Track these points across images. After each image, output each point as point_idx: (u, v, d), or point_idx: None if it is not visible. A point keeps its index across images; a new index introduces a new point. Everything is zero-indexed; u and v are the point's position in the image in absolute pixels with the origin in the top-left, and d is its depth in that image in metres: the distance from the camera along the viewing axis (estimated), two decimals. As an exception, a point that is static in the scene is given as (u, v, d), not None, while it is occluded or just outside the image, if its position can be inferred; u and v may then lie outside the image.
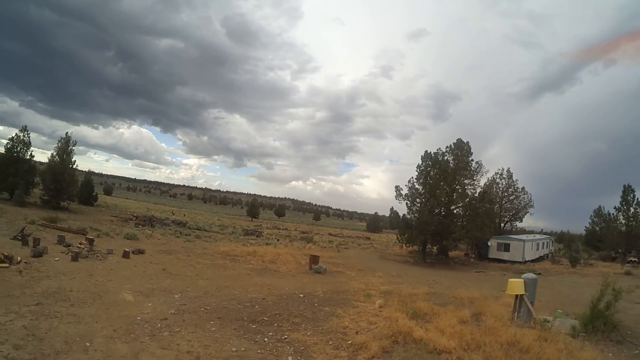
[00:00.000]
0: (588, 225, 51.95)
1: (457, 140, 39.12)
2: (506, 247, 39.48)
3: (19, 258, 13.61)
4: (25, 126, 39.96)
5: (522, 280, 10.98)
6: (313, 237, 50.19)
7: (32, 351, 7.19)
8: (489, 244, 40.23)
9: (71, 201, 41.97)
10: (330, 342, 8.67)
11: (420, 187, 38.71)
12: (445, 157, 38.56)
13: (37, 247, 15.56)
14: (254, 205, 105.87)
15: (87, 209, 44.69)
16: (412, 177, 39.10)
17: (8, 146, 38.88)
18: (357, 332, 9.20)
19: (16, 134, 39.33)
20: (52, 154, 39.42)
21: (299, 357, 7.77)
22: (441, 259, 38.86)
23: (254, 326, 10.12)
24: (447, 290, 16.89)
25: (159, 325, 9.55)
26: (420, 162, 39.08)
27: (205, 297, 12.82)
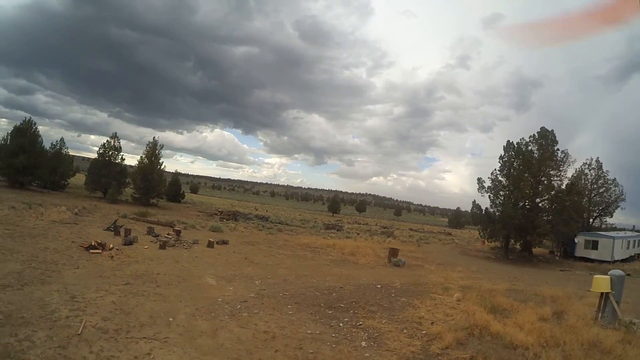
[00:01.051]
0: None
1: (540, 129, 36.08)
2: (594, 245, 35.78)
3: (111, 245, 14.44)
4: (115, 133, 43.33)
5: (609, 277, 10.25)
6: (393, 232, 49.28)
7: (118, 323, 7.52)
8: (576, 240, 36.96)
9: (160, 198, 44.59)
10: (405, 331, 8.47)
11: (503, 180, 36.56)
12: (529, 147, 35.84)
13: (128, 237, 16.45)
14: (335, 201, 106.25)
15: (175, 206, 47.27)
16: (495, 169, 36.87)
17: (100, 151, 42.24)
18: (432, 323, 8.94)
19: (107, 140, 42.70)
20: (141, 157, 42.34)
21: (372, 343, 7.61)
22: (524, 256, 36.44)
23: (330, 312, 10.01)
24: (529, 287, 15.85)
25: (238, 306, 9.70)
26: (502, 153, 36.87)
27: (284, 284, 12.86)
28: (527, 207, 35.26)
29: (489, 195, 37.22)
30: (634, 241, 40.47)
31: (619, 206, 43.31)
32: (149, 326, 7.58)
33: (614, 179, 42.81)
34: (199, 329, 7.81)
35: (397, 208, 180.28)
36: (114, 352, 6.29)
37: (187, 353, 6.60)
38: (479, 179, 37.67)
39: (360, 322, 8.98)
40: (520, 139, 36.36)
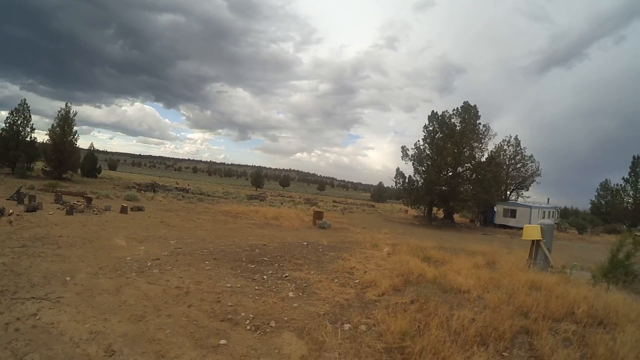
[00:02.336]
0: (594, 199, 50.71)
1: (464, 102, 38.32)
2: (512, 213, 38.73)
3: (10, 211, 13.18)
4: (24, 99, 39.13)
5: (539, 225, 10.57)
6: (317, 203, 49.66)
7: (6, 284, 6.73)
8: (495, 209, 39.62)
9: (74, 172, 41.67)
10: (336, 281, 8.28)
11: (426, 148, 38.17)
12: (452, 120, 37.83)
13: (31, 203, 15.10)
14: (258, 175, 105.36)
15: (90, 180, 44.34)
16: (418, 140, 38.72)
17: (8, 120, 38.31)
18: (364, 272, 8.79)
19: (16, 107, 38.63)
20: (52, 125, 38.83)
21: (300, 294, 7.30)
22: (447, 223, 38.52)
23: (253, 266, 9.58)
24: (456, 245, 16.22)
25: (149, 264, 9.04)
26: (427, 122, 38.40)
27: (202, 243, 12.30)
28: (450, 174, 37.15)
29: (413, 163, 38.76)
30: (549, 212, 43.88)
31: (534, 180, 46.71)
32: (40, 286, 6.80)
33: (531, 156, 46.20)
34: (100, 288, 7.09)
35: (320, 183, 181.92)
36: None
37: (80, 312, 5.91)
38: (403, 147, 39.11)
39: (287, 274, 8.67)
40: (444, 111, 38.08)
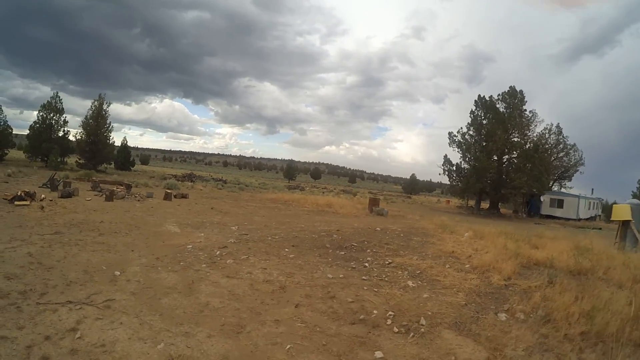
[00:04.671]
0: (635, 191, 46.92)
1: (509, 87, 36.43)
2: (559, 204, 36.10)
3: (42, 196, 11.33)
4: (57, 92, 37.80)
5: (628, 205, 9.65)
6: (356, 193, 47.48)
7: (30, 282, 4.62)
8: (542, 199, 36.91)
9: (108, 164, 40.37)
10: (448, 266, 7.06)
11: (473, 134, 36.15)
12: (497, 105, 35.78)
13: (66, 189, 13.20)
14: (290, 167, 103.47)
15: (124, 173, 43.03)
16: (461, 127, 36.94)
17: (41, 113, 37.03)
18: (469, 256, 7.82)
19: (48, 100, 37.24)
20: (85, 117, 37.42)
21: (420, 282, 6.01)
22: (493, 213, 35.84)
23: (342, 253, 7.83)
24: (525, 232, 13.86)
25: (217, 253, 6.99)
26: (473, 108, 36.53)
27: (266, 229, 10.22)
28: (501, 161, 35.36)
29: (458, 151, 36.90)
30: (594, 203, 41.30)
31: (577, 170, 43.26)
32: (80, 285, 4.70)
33: (574, 144, 42.76)
34: (164, 285, 5.05)
35: (350, 176, 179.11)
36: (9, 328, 3.45)
37: (145, 324, 3.84)
38: (449, 133, 37.37)
39: (389, 261, 7.25)
40: (490, 96, 36.34)
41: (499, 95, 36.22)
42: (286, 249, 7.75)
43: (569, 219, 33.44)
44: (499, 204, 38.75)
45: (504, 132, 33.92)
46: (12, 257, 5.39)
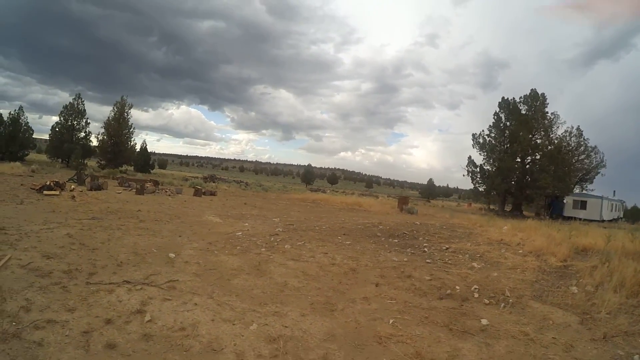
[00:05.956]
0: None
1: (531, 90, 35.84)
2: (582, 205, 34.97)
3: (72, 187, 10.77)
4: (79, 94, 37.48)
5: None
6: (378, 197, 46.82)
7: (74, 261, 3.99)
8: (565, 200, 35.94)
9: (129, 166, 40.18)
10: (503, 250, 6.98)
11: (497, 135, 35.78)
12: (519, 107, 35.45)
13: (94, 182, 12.67)
14: (308, 172, 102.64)
15: (145, 176, 42.91)
16: (483, 130, 36.70)
17: (62, 114, 36.81)
18: (518, 244, 7.84)
19: (70, 102, 36.93)
20: (108, 118, 37.10)
21: (483, 264, 6.02)
22: (516, 215, 35.02)
23: (396, 241, 7.55)
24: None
25: (271, 239, 6.42)
26: (497, 110, 36.20)
27: (308, 222, 9.57)
28: (526, 162, 34.96)
29: (481, 153, 36.46)
30: (616, 204, 40.25)
31: (599, 172, 42.19)
32: (133, 266, 4.11)
33: (595, 146, 41.78)
34: (228, 267, 4.47)
35: (367, 181, 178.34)
36: (55, 310, 2.82)
37: (223, 304, 3.27)
38: (473, 135, 36.89)
39: (446, 247, 7.17)
40: (512, 98, 35.97)
41: (520, 98, 35.86)
42: (339, 237, 7.26)
43: (592, 221, 32.40)
44: (524, 204, 38.01)
45: (528, 133, 33.44)
46: (49, 238, 4.79)
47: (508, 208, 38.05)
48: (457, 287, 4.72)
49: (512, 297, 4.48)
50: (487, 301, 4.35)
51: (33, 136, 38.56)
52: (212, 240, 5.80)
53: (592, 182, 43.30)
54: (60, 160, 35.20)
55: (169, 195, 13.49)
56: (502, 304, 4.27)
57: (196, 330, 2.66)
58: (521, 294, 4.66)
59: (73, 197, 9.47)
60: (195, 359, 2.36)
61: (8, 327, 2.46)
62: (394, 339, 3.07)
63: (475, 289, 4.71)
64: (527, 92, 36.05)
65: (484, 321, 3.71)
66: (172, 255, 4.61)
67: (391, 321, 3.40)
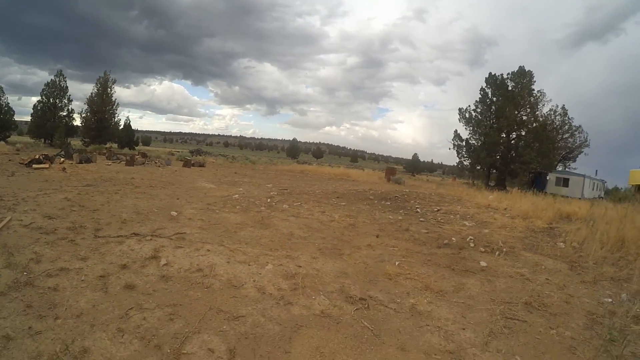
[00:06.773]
0: None
1: (519, 67, 35.64)
2: (565, 182, 35.68)
3: (61, 160, 10.67)
4: (60, 71, 36.32)
5: None
6: (363, 169, 47.06)
7: (77, 220, 4.04)
8: (548, 177, 36.62)
9: (113, 143, 39.59)
10: (492, 212, 7.42)
11: (483, 111, 35.96)
12: (506, 83, 35.45)
13: (83, 155, 12.56)
14: (293, 146, 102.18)
15: (130, 152, 42.47)
16: (469, 105, 36.36)
17: (44, 92, 35.80)
18: (505, 208, 8.18)
19: (52, 78, 35.85)
20: (91, 94, 36.18)
21: (474, 223, 6.27)
22: (500, 190, 35.65)
23: (388, 203, 7.89)
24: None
25: (268, 200, 6.54)
26: (483, 85, 36.08)
27: (300, 188, 9.71)
28: (511, 138, 35.35)
29: (467, 127, 36.74)
30: (598, 184, 40.97)
31: (582, 151, 42.72)
32: (137, 223, 4.18)
33: (579, 126, 42.21)
34: (232, 222, 4.60)
35: (352, 156, 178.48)
36: (67, 260, 2.88)
37: (236, 250, 3.41)
38: (460, 109, 36.86)
39: (437, 208, 7.53)
40: (499, 74, 36.06)
41: (508, 74, 35.97)
42: (333, 200, 7.47)
43: (573, 198, 33.16)
44: (505, 181, 38.59)
45: (514, 109, 33.83)
46: (47, 202, 4.81)
47: (492, 183, 38.58)
48: (454, 239, 5.03)
49: (505, 247, 4.80)
50: (482, 249, 4.66)
51: (14, 118, 37.57)
52: (210, 202, 5.88)
53: (575, 161, 43.86)
54: (43, 140, 34.34)
55: (159, 166, 13.45)
56: (497, 252, 4.57)
57: (214, 271, 2.78)
58: (513, 245, 4.99)
59: (64, 169, 9.40)
60: (217, 294, 2.46)
61: (20, 277, 2.50)
62: (402, 276, 3.26)
63: (471, 239, 5.04)
64: (519, 67, 36.31)
65: (483, 263, 4.02)
66: (174, 213, 4.68)
67: (397, 263, 3.61)
